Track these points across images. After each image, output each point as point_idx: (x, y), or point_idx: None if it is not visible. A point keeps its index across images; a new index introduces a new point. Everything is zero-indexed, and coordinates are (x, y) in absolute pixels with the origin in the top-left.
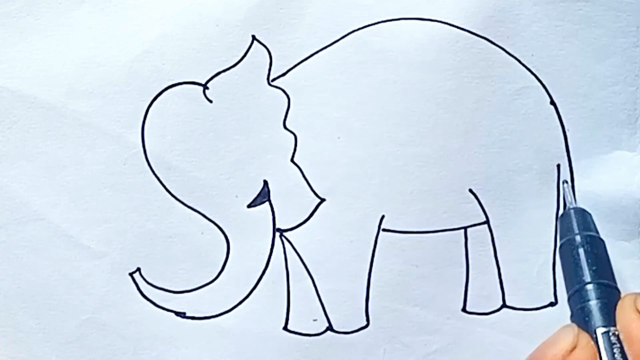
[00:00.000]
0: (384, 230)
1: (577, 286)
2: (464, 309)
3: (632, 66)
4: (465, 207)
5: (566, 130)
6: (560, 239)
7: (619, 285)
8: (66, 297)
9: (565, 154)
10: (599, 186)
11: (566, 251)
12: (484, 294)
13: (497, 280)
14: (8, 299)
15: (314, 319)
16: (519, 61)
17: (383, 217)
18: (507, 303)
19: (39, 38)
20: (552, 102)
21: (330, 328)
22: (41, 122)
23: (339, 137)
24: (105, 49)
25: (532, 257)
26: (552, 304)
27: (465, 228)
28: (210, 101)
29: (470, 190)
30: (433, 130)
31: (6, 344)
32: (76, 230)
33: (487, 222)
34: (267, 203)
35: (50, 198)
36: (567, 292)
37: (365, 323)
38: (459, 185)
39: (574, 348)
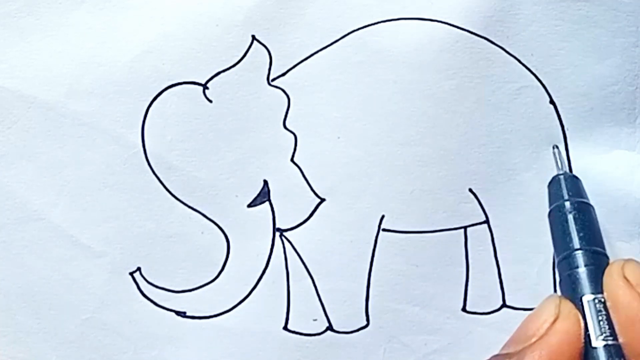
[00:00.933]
0: (384, 230)
1: (565, 253)
2: (464, 309)
3: (631, 66)
4: (465, 206)
5: (565, 129)
6: (550, 205)
7: None
8: (66, 296)
9: (565, 154)
10: (598, 186)
11: (555, 217)
12: (484, 294)
13: (497, 280)
14: (8, 299)
15: (314, 318)
16: (519, 61)
17: (383, 217)
18: (507, 303)
19: (39, 38)
20: (552, 102)
21: (330, 328)
22: (41, 122)
23: (339, 137)
24: (105, 49)
25: (532, 257)
26: None
27: (465, 228)
28: (210, 101)
29: (470, 190)
30: (433, 130)
31: (6, 343)
32: (76, 230)
33: (487, 221)
34: (267, 203)
35: (50, 198)
36: (557, 258)
37: (365, 323)
38: (458, 185)
39: (556, 319)
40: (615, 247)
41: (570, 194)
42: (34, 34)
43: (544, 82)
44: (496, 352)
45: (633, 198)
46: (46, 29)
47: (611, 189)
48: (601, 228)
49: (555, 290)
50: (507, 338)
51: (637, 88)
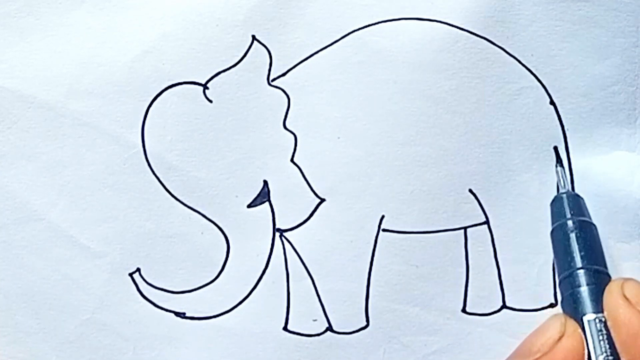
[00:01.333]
0: (384, 230)
1: (567, 272)
2: (464, 310)
3: (631, 66)
4: (465, 207)
5: (566, 130)
6: (552, 224)
7: None
8: (66, 297)
9: (565, 154)
10: (599, 187)
11: (557, 236)
12: (483, 295)
13: (497, 281)
14: (8, 299)
15: (314, 319)
16: (519, 61)
17: (383, 217)
18: (507, 304)
19: (39, 38)
20: (552, 102)
21: (330, 328)
22: (41, 122)
23: (339, 137)
24: (105, 49)
25: (532, 258)
26: (552, 305)
27: (465, 228)
28: (210, 101)
29: (470, 191)
30: (433, 130)
31: (6, 343)
32: (76, 230)
33: (487, 222)
34: (267, 203)
35: (50, 198)
36: (558, 277)
37: (365, 323)
38: (458, 185)
39: (561, 337)
40: (615, 248)
41: (572, 212)
42: (34, 34)
43: (544, 82)
44: (496, 355)
45: (633, 199)
46: (46, 29)
47: (611, 189)
48: (601, 229)
49: (555, 293)
50: (507, 339)
51: (637, 88)
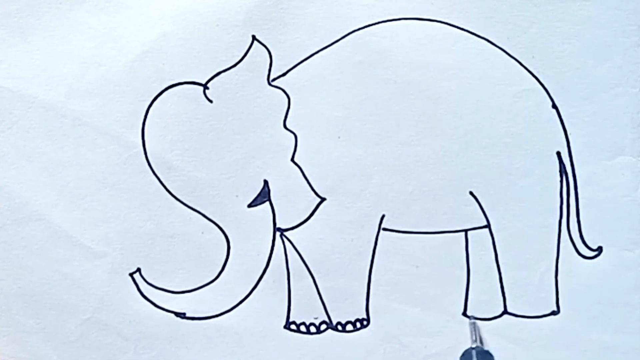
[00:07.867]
0: (384, 229)
1: None
2: (464, 313)
3: (634, 67)
4: (466, 209)
5: (568, 134)
6: None
7: (620, 300)
8: (66, 297)
9: (568, 159)
10: (602, 193)
11: None
12: (484, 299)
13: (498, 286)
14: (8, 299)
15: (315, 317)
16: (520, 63)
17: (383, 216)
18: (509, 309)
19: (39, 38)
20: (554, 106)
21: (330, 326)
22: (41, 122)
23: (339, 137)
24: (106, 49)
25: (534, 264)
26: (554, 313)
27: (465, 231)
28: (211, 101)
29: (471, 193)
30: (433, 131)
31: (6, 343)
32: (76, 230)
33: (488, 226)
34: (268, 202)
35: (50, 198)
36: None
37: (365, 322)
38: (459, 187)
39: None
40: (618, 257)
41: None
42: (34, 34)
43: (545, 85)
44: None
45: (638, 205)
46: (47, 29)
47: (616, 195)
48: (605, 236)
49: (557, 300)
50: (509, 345)
51: None
